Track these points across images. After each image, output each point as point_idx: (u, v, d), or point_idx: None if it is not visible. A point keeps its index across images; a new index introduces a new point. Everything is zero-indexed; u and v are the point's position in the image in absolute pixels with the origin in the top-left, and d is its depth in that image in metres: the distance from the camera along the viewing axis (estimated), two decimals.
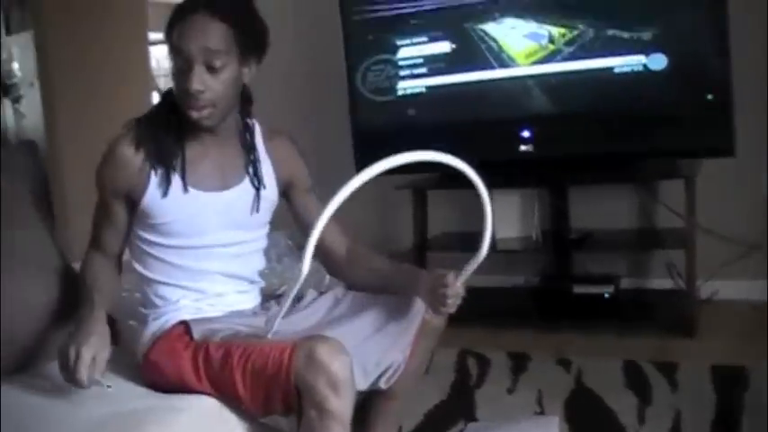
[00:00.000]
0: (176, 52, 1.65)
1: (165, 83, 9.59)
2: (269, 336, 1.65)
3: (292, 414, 1.55)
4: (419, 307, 1.79)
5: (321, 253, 1.91)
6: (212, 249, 1.81)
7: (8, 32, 5.86)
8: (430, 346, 1.89)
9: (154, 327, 1.78)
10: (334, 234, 1.91)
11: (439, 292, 1.70)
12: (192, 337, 1.68)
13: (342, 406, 1.45)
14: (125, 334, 2.05)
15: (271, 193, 1.87)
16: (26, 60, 5.63)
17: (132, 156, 1.72)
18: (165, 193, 1.73)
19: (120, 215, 1.79)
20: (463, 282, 1.71)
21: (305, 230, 1.88)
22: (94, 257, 1.83)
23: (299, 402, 1.48)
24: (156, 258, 1.81)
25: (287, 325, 1.76)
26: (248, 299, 1.91)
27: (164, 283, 1.81)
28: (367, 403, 1.88)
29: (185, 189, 1.75)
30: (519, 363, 3.00)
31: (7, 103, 5.83)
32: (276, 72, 4.45)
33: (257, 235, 1.90)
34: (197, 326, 1.71)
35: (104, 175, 1.76)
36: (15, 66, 5.76)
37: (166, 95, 1.79)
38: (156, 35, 7.67)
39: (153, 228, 1.78)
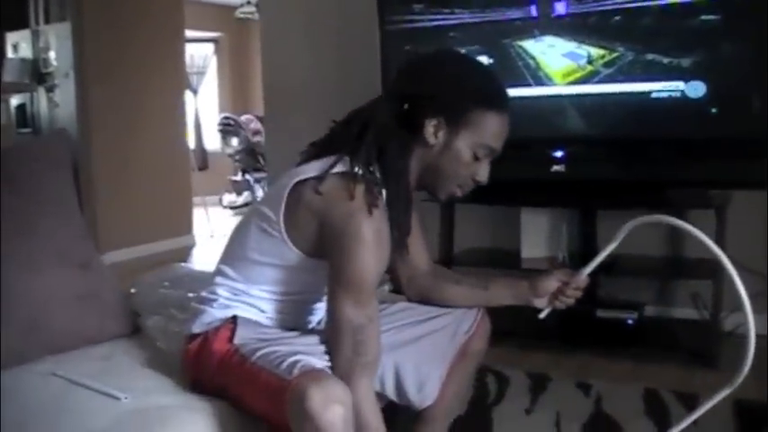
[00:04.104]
0: (493, 147, 1.78)
1: (197, 80, 9.66)
2: None
3: None
4: (461, 329, 1.82)
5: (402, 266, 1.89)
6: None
7: (47, 21, 5.92)
8: (470, 371, 1.90)
9: (216, 315, 1.66)
10: (419, 246, 1.89)
11: (570, 294, 1.88)
12: (231, 339, 1.58)
13: None
14: (146, 329, 2.05)
15: None
16: (63, 50, 5.69)
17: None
18: None
19: None
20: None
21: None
22: None
23: None
24: (270, 298, 1.68)
25: None
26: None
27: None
28: (408, 427, 1.87)
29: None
30: (538, 383, 2.97)
31: (42, 91, 5.88)
32: (311, 79, 4.49)
33: None
34: (244, 329, 1.60)
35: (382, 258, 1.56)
36: (52, 55, 5.82)
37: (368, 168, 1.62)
38: (191, 32, 7.73)
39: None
